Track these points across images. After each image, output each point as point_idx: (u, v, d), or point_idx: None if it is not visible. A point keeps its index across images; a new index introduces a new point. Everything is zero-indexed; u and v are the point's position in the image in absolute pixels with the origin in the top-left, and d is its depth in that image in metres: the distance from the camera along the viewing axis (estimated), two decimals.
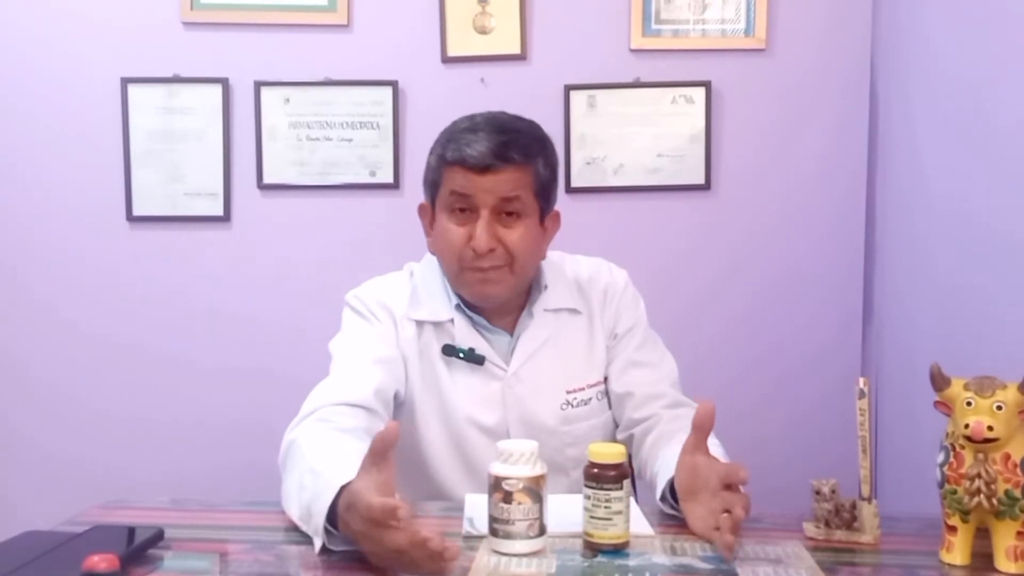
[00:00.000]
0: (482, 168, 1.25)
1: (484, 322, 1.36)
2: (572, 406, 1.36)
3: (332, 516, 0.96)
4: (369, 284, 1.40)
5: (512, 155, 1.26)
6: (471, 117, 1.32)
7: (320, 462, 1.03)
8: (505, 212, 1.28)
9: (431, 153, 1.33)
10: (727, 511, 0.97)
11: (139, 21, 2.15)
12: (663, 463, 1.15)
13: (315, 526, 0.98)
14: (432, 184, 1.33)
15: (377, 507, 0.86)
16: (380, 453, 0.93)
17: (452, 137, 1.29)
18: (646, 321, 1.43)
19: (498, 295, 1.32)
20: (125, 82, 2.15)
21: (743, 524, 1.08)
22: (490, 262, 1.27)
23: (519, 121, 1.33)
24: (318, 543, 0.98)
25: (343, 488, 0.94)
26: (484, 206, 1.26)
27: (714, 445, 1.12)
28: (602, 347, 1.40)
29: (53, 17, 2.15)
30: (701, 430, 1.04)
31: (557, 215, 1.38)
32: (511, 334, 1.37)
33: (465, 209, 1.28)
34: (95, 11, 2.15)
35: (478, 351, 1.33)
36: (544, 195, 1.32)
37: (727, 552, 0.95)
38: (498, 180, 1.26)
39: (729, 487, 1.00)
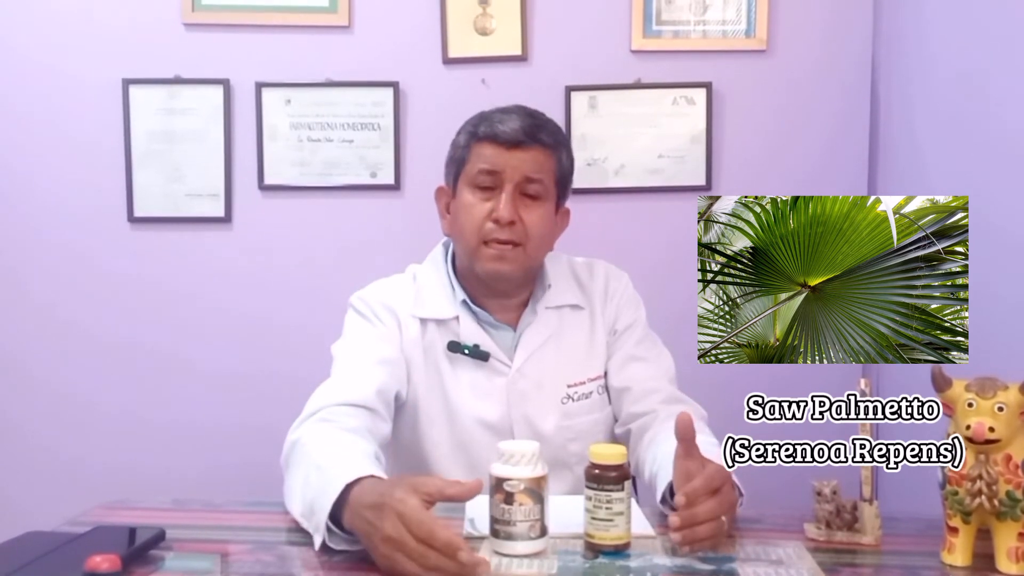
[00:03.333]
0: (513, 144, 1.30)
1: (489, 317, 1.37)
2: (573, 400, 1.37)
3: (334, 514, 0.97)
4: (373, 286, 1.41)
5: (542, 136, 1.32)
6: (501, 106, 1.38)
7: (326, 459, 1.04)
8: (527, 192, 1.32)
9: (459, 134, 1.37)
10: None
11: (140, 22, 2.15)
12: (662, 464, 1.15)
13: (317, 522, 0.98)
14: (458, 161, 1.36)
15: (442, 538, 0.86)
16: (443, 496, 0.93)
17: (484, 117, 1.35)
18: (645, 321, 1.45)
19: (510, 273, 1.33)
20: (126, 83, 2.15)
21: (745, 524, 1.08)
22: (508, 235, 1.30)
23: (545, 116, 1.38)
24: (318, 540, 0.98)
25: (352, 485, 0.95)
26: (509, 181, 1.31)
27: (711, 445, 1.13)
28: (603, 342, 1.41)
29: (54, 18, 2.15)
30: (685, 440, 1.02)
31: (567, 212, 1.43)
32: (515, 330, 1.38)
33: (490, 186, 1.32)
34: (96, 12, 2.15)
35: (483, 347, 1.34)
36: (562, 184, 1.38)
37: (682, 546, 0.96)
38: (526, 158, 1.31)
39: (714, 492, 0.99)
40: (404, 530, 0.88)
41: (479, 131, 1.33)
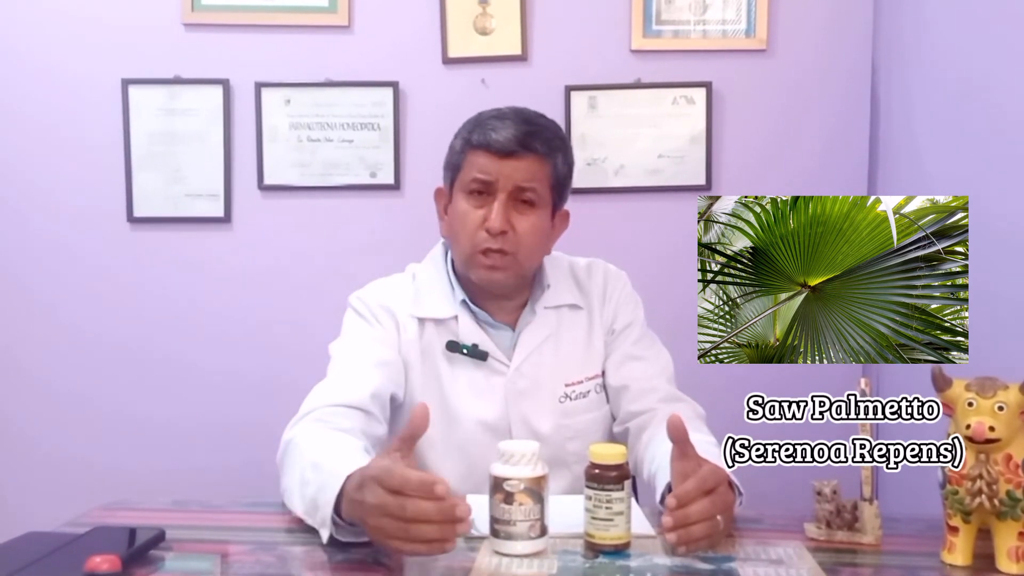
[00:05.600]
0: (505, 153, 1.29)
1: (487, 317, 1.37)
2: (571, 399, 1.38)
3: (337, 508, 0.98)
4: (372, 286, 1.41)
5: (535, 145, 1.30)
6: (498, 108, 1.36)
7: (321, 457, 1.06)
8: (520, 200, 1.31)
9: (456, 138, 1.36)
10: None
11: (140, 23, 2.15)
12: (661, 464, 1.15)
13: (322, 517, 0.99)
14: (454, 167, 1.36)
15: (415, 479, 0.88)
16: (409, 439, 0.96)
17: (479, 123, 1.33)
18: (643, 320, 1.46)
19: (504, 281, 1.34)
20: (126, 83, 2.15)
21: (745, 524, 1.08)
22: (500, 244, 1.30)
23: (543, 118, 1.37)
24: (325, 534, 0.99)
25: (351, 475, 0.96)
26: (502, 190, 1.30)
27: (709, 444, 1.13)
28: (601, 341, 1.42)
29: (54, 19, 2.15)
30: (678, 442, 1.02)
31: (566, 214, 1.42)
32: (513, 330, 1.39)
33: (483, 192, 1.31)
34: (96, 13, 2.15)
35: (481, 347, 1.35)
36: (559, 190, 1.36)
37: (677, 546, 0.96)
38: (519, 167, 1.30)
39: (708, 492, 0.98)
40: (381, 490, 0.90)
41: (472, 138, 1.32)
